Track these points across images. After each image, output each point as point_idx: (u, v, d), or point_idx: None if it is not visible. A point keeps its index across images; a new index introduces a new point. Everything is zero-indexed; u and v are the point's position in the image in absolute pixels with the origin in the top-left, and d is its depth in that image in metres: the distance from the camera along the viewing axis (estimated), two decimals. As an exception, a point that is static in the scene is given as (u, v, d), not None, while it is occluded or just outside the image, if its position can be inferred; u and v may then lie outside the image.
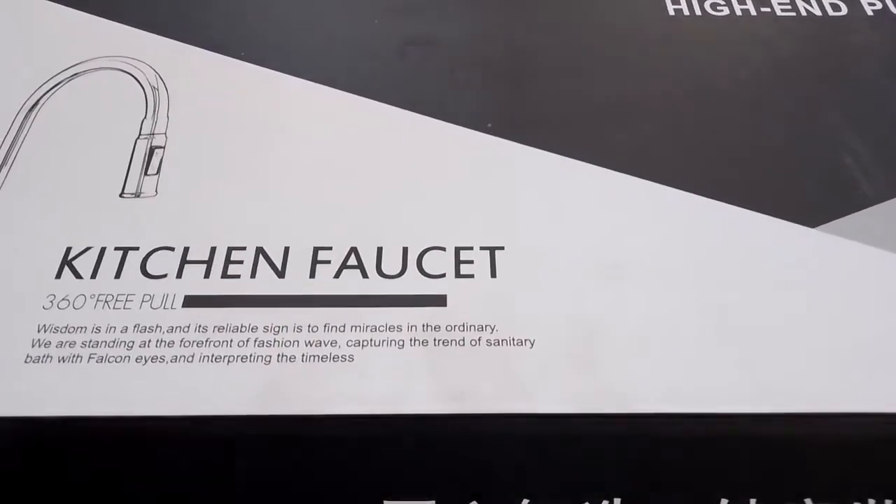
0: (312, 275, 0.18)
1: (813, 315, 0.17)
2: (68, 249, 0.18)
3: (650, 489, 0.15)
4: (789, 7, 0.25)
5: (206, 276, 0.18)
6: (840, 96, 0.22)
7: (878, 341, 0.17)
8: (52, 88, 0.22)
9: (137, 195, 0.20)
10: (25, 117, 0.21)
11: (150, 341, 0.17)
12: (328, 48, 0.24)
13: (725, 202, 0.19)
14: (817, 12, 0.25)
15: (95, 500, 0.15)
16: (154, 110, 0.22)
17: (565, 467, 0.15)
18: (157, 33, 0.24)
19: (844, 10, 0.25)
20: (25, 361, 0.16)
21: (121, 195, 0.20)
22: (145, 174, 0.20)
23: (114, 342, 0.17)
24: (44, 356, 0.16)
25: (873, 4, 0.25)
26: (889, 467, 0.16)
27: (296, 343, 0.17)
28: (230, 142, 0.21)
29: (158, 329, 0.17)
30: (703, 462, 0.15)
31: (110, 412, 0.16)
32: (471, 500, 0.16)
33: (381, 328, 0.17)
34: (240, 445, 0.15)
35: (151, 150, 0.21)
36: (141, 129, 0.21)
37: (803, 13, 0.25)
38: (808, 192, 0.20)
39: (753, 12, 0.25)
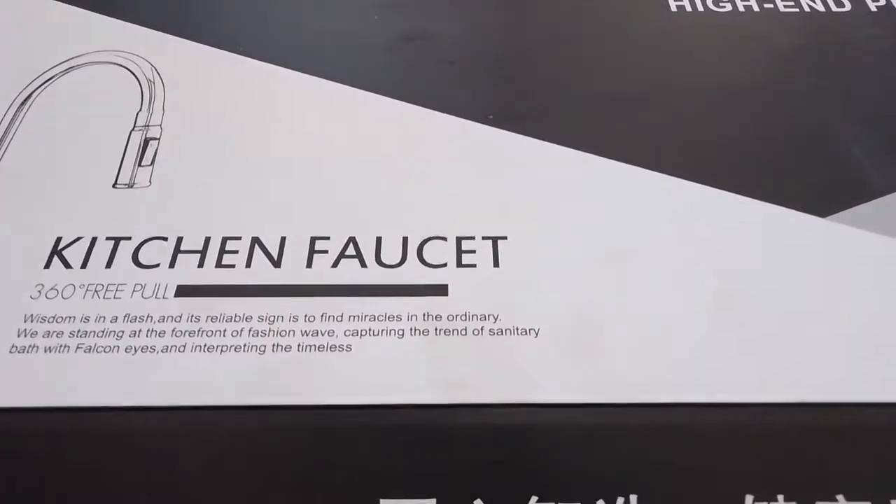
0: (309, 264, 0.17)
1: (823, 305, 0.17)
2: (58, 239, 0.18)
3: (663, 481, 0.15)
4: (792, 3, 0.25)
5: (200, 265, 0.17)
6: (847, 89, 0.22)
7: (889, 331, 0.16)
8: (46, 82, 0.22)
9: (131, 186, 0.19)
10: (18, 110, 0.21)
11: (140, 331, 0.16)
12: (326, 42, 0.23)
13: (731, 191, 0.19)
14: (820, 8, 0.25)
15: (84, 492, 0.14)
16: (149, 103, 0.21)
17: (574, 461, 0.15)
18: (154, 28, 0.24)
19: (848, 6, 0.25)
20: (10, 351, 0.16)
21: (114, 186, 0.19)
22: (139, 165, 0.20)
23: (103, 332, 0.16)
24: (29, 346, 0.16)
25: (877, 0, 0.25)
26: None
27: (291, 332, 0.16)
28: (226, 133, 0.21)
29: (149, 318, 0.16)
30: (717, 453, 0.15)
31: (97, 402, 0.15)
32: (474, 499, 0.15)
33: (381, 317, 0.16)
34: (231, 436, 0.15)
35: (146, 142, 0.20)
36: (136, 120, 0.21)
37: (806, 9, 0.25)
38: (818, 182, 0.19)
39: (756, 8, 0.25)
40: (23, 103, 0.21)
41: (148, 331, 0.16)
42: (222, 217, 0.18)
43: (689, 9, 0.25)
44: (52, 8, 0.24)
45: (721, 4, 0.25)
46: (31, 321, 0.16)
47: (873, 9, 0.24)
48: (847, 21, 0.24)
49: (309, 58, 0.23)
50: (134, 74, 0.22)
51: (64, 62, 0.23)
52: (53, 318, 0.16)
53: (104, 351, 0.16)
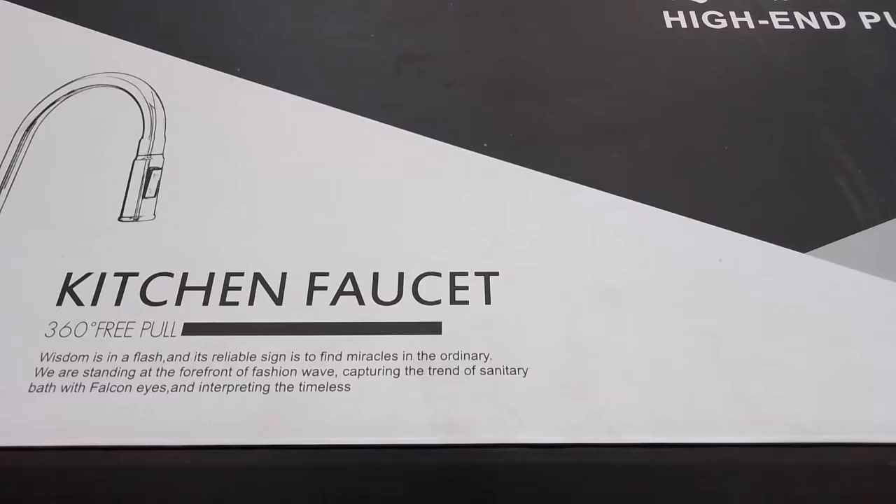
0: (309, 302, 0.18)
1: (805, 343, 0.18)
2: (69, 275, 0.19)
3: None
4: (787, 20, 0.25)
5: (205, 303, 0.18)
6: (836, 113, 0.22)
7: (868, 369, 0.17)
8: (49, 107, 0.22)
9: (136, 219, 0.20)
10: (23, 137, 0.22)
11: (150, 370, 0.17)
12: (325, 65, 0.24)
13: (719, 226, 0.20)
14: (815, 25, 0.25)
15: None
16: (151, 130, 0.22)
17: (561, 500, 0.16)
18: (154, 48, 0.24)
19: (842, 24, 0.25)
20: (29, 391, 0.17)
21: (119, 219, 0.20)
22: (143, 197, 0.20)
23: (115, 371, 0.17)
24: (47, 385, 0.17)
25: (871, 17, 0.25)
26: (883, 497, 0.16)
27: (293, 372, 0.17)
28: (226, 163, 0.21)
29: (159, 357, 0.17)
30: (698, 493, 0.16)
31: (113, 442, 0.16)
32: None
33: (377, 356, 0.17)
34: (237, 475, 0.16)
35: (149, 172, 0.21)
36: (138, 149, 0.21)
37: (801, 26, 0.25)
38: (801, 216, 0.20)
39: (751, 25, 0.25)
40: (28, 129, 0.22)
41: (158, 370, 0.17)
42: (225, 251, 0.19)
43: (684, 24, 0.25)
44: (52, 25, 0.25)
45: (716, 21, 0.25)
46: (48, 360, 0.17)
47: (867, 26, 0.24)
48: (841, 39, 0.24)
49: (306, 81, 0.23)
50: (135, 99, 0.22)
51: (65, 85, 0.23)
52: (68, 356, 0.17)
53: (117, 390, 0.17)
